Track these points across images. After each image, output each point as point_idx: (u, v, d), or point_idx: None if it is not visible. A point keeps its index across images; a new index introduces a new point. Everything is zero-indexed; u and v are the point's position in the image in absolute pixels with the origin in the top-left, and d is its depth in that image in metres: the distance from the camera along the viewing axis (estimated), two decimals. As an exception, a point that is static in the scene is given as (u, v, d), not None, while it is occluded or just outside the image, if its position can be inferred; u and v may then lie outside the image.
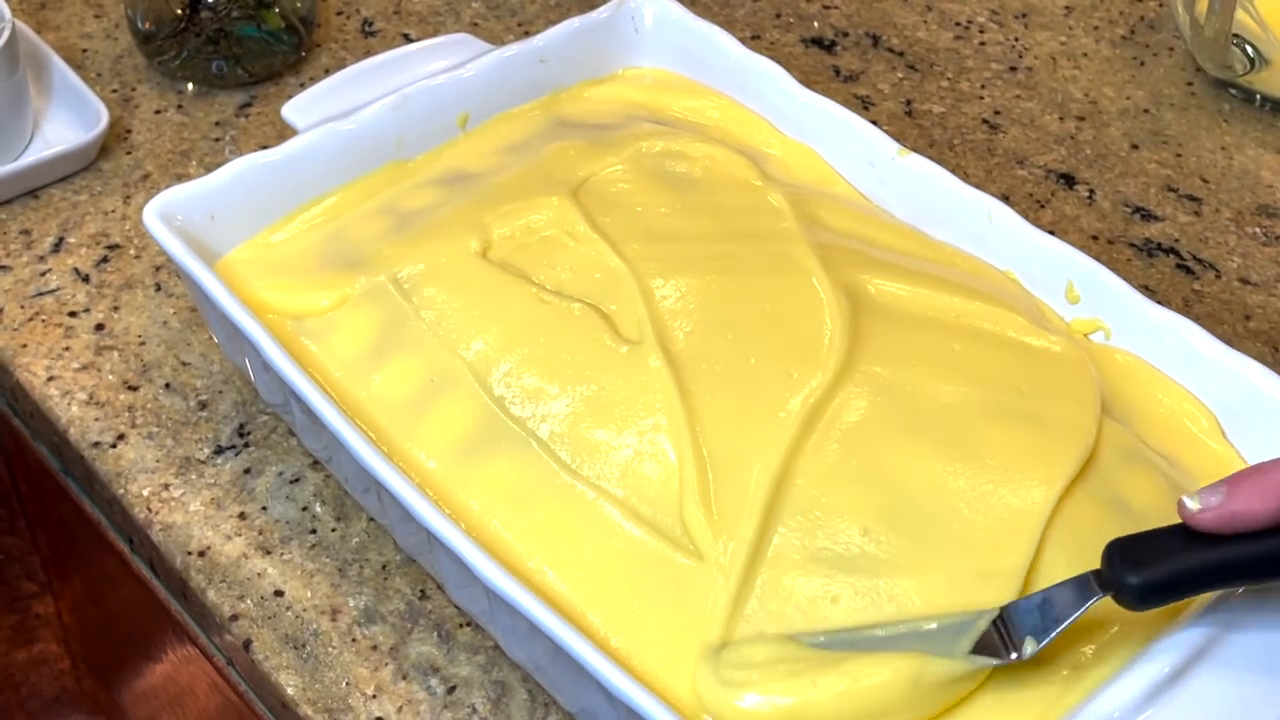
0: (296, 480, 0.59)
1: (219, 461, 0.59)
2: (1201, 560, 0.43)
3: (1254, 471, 0.44)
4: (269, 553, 0.56)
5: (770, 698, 0.44)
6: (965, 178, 0.63)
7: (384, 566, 0.56)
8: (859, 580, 0.47)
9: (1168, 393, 0.55)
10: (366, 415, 0.53)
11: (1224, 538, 0.43)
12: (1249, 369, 0.54)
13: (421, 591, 0.55)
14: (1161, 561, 0.44)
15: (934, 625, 0.46)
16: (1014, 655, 0.45)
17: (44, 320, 0.65)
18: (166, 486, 0.58)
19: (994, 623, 0.45)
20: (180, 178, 0.72)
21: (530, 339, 0.54)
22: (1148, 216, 0.75)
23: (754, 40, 0.85)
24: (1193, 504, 0.44)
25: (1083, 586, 0.45)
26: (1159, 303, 0.57)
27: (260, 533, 0.57)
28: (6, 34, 0.68)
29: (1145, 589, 0.44)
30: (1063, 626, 0.44)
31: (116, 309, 0.66)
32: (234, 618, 0.54)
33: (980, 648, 0.45)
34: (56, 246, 0.69)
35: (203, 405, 0.62)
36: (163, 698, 0.76)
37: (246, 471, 0.59)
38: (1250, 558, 0.43)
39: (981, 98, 0.82)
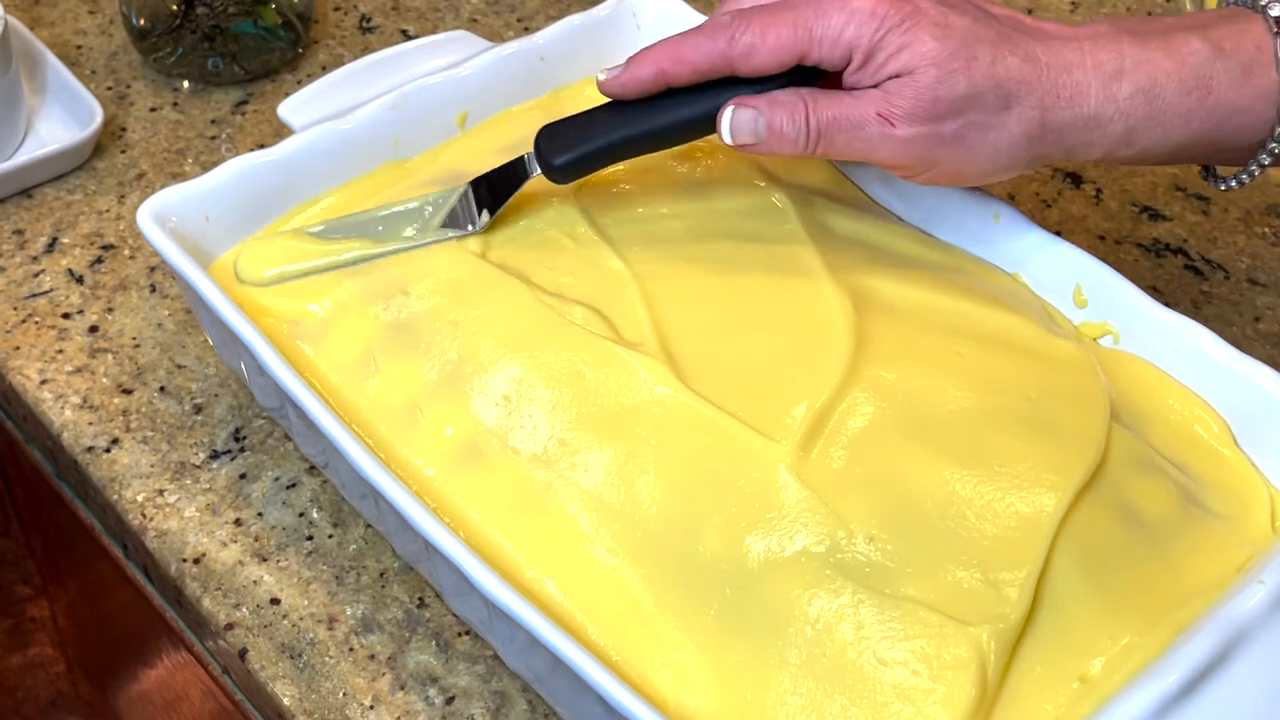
0: (293, 486, 0.58)
1: (214, 466, 0.59)
2: (605, 133, 0.54)
3: (657, 43, 0.53)
4: (265, 560, 0.55)
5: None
6: (971, 178, 0.62)
7: (382, 574, 0.55)
8: (864, 587, 0.47)
9: (1178, 398, 0.55)
10: (364, 421, 0.52)
11: (625, 113, 0.54)
12: (1261, 374, 0.53)
13: (420, 600, 0.54)
14: (577, 141, 0.54)
15: (415, 204, 0.57)
16: (471, 227, 0.56)
17: (37, 322, 0.64)
18: (161, 492, 0.58)
19: (459, 203, 0.56)
20: (176, 176, 0.72)
21: (530, 343, 0.53)
22: (1155, 216, 0.74)
23: (756, 37, 0.84)
24: (601, 75, 0.54)
25: (520, 166, 0.56)
26: (1167, 304, 0.56)
27: (256, 539, 0.56)
28: (0, 30, 0.68)
29: (565, 165, 0.54)
30: (506, 201, 0.56)
31: (111, 311, 0.65)
32: (229, 626, 0.54)
33: (449, 224, 0.56)
34: (50, 247, 0.68)
35: (198, 409, 0.61)
36: (158, 702, 0.75)
37: (242, 477, 0.58)
38: (641, 128, 0.53)
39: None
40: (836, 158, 0.54)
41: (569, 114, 0.56)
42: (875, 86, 0.51)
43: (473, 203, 0.56)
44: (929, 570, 0.47)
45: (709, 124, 0.53)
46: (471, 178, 0.57)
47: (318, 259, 0.56)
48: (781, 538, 0.48)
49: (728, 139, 0.52)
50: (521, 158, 0.56)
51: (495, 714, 0.51)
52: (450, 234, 0.56)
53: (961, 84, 0.50)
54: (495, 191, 0.56)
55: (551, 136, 0.54)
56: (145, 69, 0.78)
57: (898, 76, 0.51)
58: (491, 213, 0.56)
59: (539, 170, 0.55)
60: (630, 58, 0.53)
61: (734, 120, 0.52)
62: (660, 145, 0.55)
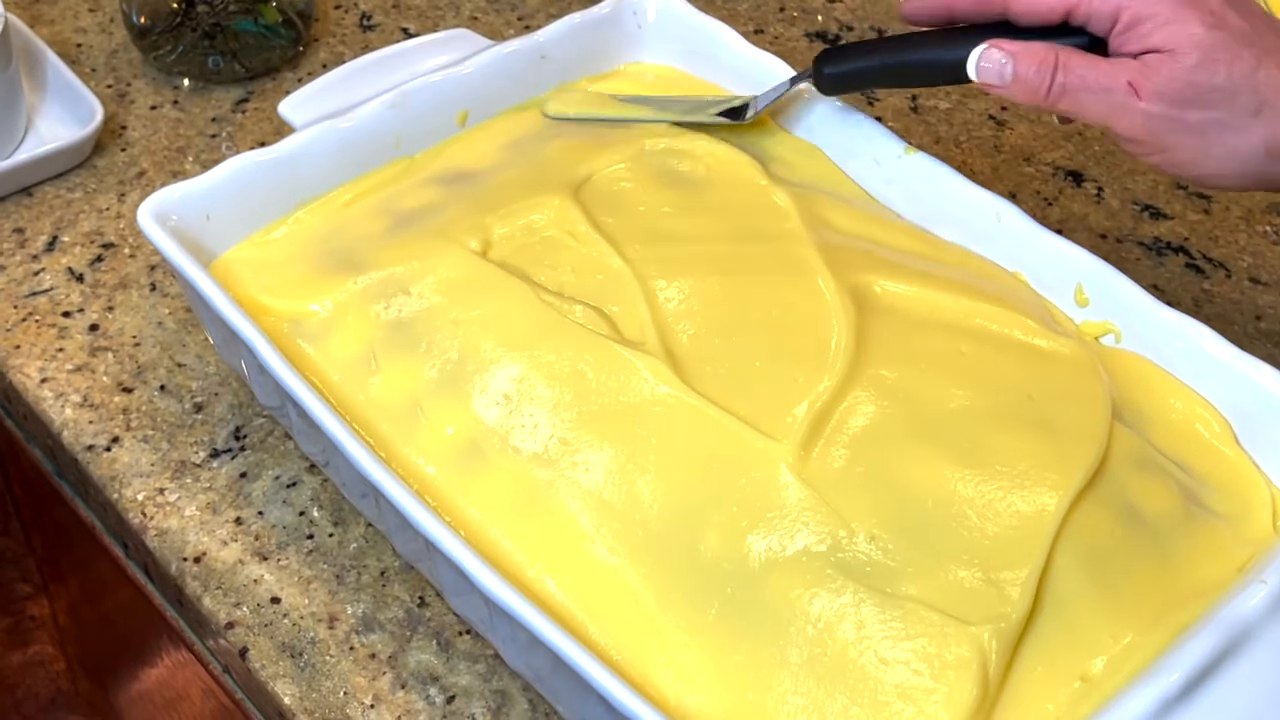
0: (293, 484, 0.58)
1: (215, 465, 0.59)
2: (876, 54, 0.59)
3: None
4: (266, 558, 0.55)
5: None
6: (972, 175, 0.62)
7: (382, 573, 0.55)
8: (865, 587, 0.46)
9: (1179, 397, 0.55)
10: (364, 420, 0.52)
11: (899, 44, 0.58)
12: (1262, 373, 0.53)
13: (420, 599, 0.54)
14: (851, 57, 0.60)
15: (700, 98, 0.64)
16: (742, 119, 0.63)
17: (37, 321, 0.64)
18: (162, 491, 0.58)
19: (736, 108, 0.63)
20: (176, 174, 0.72)
21: (531, 341, 0.53)
22: (1157, 214, 0.74)
23: (757, 35, 0.84)
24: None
25: (796, 78, 0.63)
26: (1168, 303, 0.56)
27: (257, 538, 0.56)
28: (0, 28, 0.67)
29: (834, 76, 0.61)
30: (776, 95, 0.63)
31: (111, 309, 0.65)
32: (230, 625, 0.53)
33: (725, 114, 0.63)
34: (50, 245, 0.68)
35: (198, 408, 0.61)
36: (158, 701, 0.75)
37: (243, 475, 0.58)
38: (908, 56, 0.58)
39: (987, 94, 0.81)
40: (1075, 116, 0.54)
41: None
42: (1135, 57, 0.52)
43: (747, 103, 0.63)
44: (930, 569, 0.47)
45: (964, 69, 0.55)
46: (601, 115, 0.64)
47: (611, 113, 0.64)
48: (783, 537, 0.48)
49: (973, 75, 0.54)
50: (799, 74, 0.63)
51: (496, 713, 0.51)
52: (722, 120, 0.63)
53: (1220, 76, 0.50)
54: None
55: (828, 54, 0.61)
56: (145, 67, 0.78)
57: (1159, 52, 0.51)
58: (755, 112, 0.63)
59: (809, 80, 0.62)
60: None
61: (982, 58, 0.54)
62: (920, 79, 0.60)
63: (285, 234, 0.59)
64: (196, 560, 0.55)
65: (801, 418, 0.50)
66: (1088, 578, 0.47)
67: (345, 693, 0.51)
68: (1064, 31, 0.54)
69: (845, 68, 0.60)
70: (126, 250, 0.68)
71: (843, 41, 0.84)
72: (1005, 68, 0.53)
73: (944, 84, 0.58)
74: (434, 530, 0.46)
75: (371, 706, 0.51)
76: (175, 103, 0.76)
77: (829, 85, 0.61)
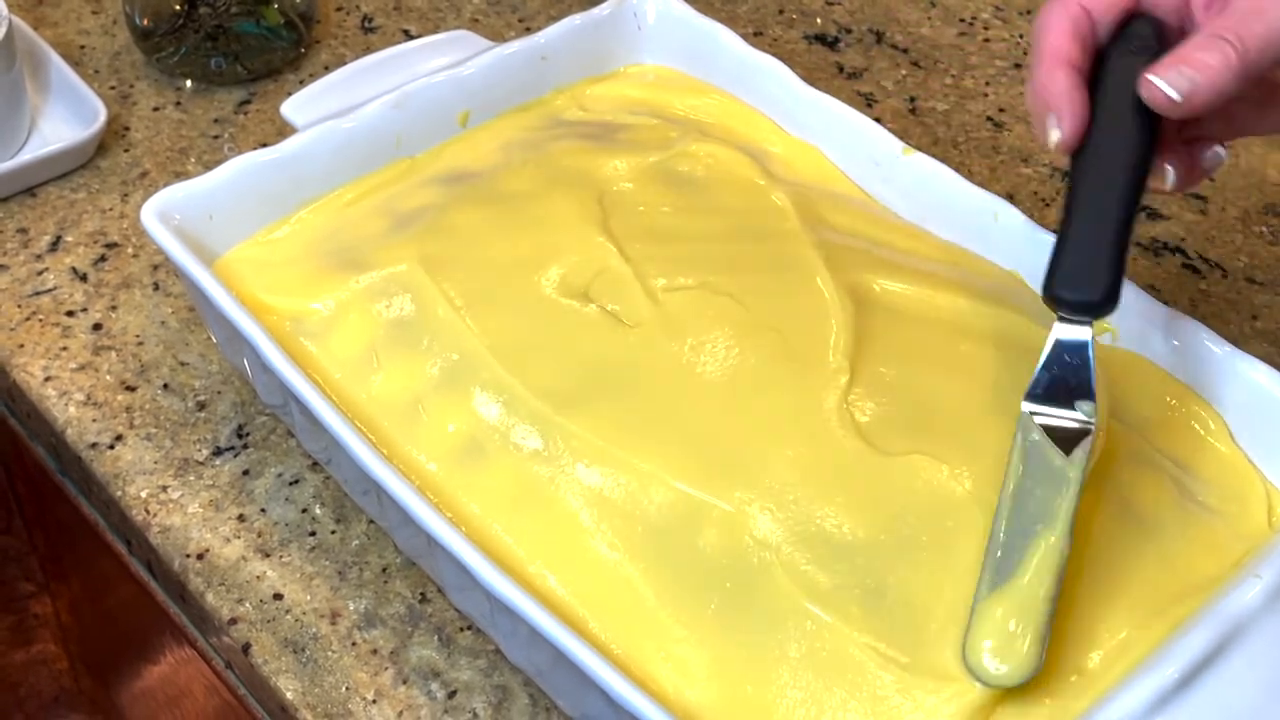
0: (296, 482, 0.58)
1: (218, 463, 0.59)
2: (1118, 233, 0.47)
3: (1038, 80, 0.48)
4: (268, 555, 0.56)
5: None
6: (970, 176, 0.63)
7: (384, 569, 0.55)
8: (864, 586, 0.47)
9: (1176, 395, 0.55)
10: (366, 417, 0.53)
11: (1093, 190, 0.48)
12: (1258, 371, 0.53)
13: (422, 595, 0.55)
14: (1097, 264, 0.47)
15: None
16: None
17: (41, 320, 0.64)
18: (165, 488, 0.58)
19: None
20: (179, 175, 0.72)
21: (532, 339, 0.53)
22: (1153, 215, 0.74)
23: (757, 37, 0.84)
24: (1053, 138, 0.48)
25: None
26: (1165, 302, 0.56)
27: (259, 535, 0.56)
28: (3, 30, 0.68)
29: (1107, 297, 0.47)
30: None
31: (114, 308, 0.65)
32: (233, 621, 0.54)
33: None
34: (54, 245, 0.68)
35: (201, 406, 0.61)
36: (160, 699, 0.75)
37: (245, 473, 0.59)
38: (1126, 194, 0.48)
39: (986, 95, 0.81)
40: (1262, 66, 0.47)
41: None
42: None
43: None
44: (930, 566, 0.47)
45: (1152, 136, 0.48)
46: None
47: None
48: (780, 535, 0.48)
49: (1173, 107, 0.46)
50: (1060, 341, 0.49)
51: (497, 708, 0.51)
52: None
53: None
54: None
55: (1064, 277, 0.47)
56: (148, 69, 0.78)
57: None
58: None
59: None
60: (1040, 105, 0.48)
61: (1165, 83, 0.46)
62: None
63: (287, 233, 0.60)
64: (199, 557, 0.56)
65: (801, 414, 0.50)
66: (1085, 573, 0.48)
67: (347, 688, 0.52)
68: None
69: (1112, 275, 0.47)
70: (129, 250, 0.68)
71: (841, 45, 0.84)
72: (1183, 77, 0.46)
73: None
74: (435, 526, 0.47)
75: (373, 702, 0.51)
76: (178, 104, 0.76)
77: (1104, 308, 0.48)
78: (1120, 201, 0.47)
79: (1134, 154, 0.48)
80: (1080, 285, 0.47)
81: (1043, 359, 0.48)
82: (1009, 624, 0.44)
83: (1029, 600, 0.44)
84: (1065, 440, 0.47)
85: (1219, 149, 0.50)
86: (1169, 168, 0.49)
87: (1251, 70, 0.46)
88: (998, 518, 0.46)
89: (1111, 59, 0.49)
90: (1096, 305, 0.47)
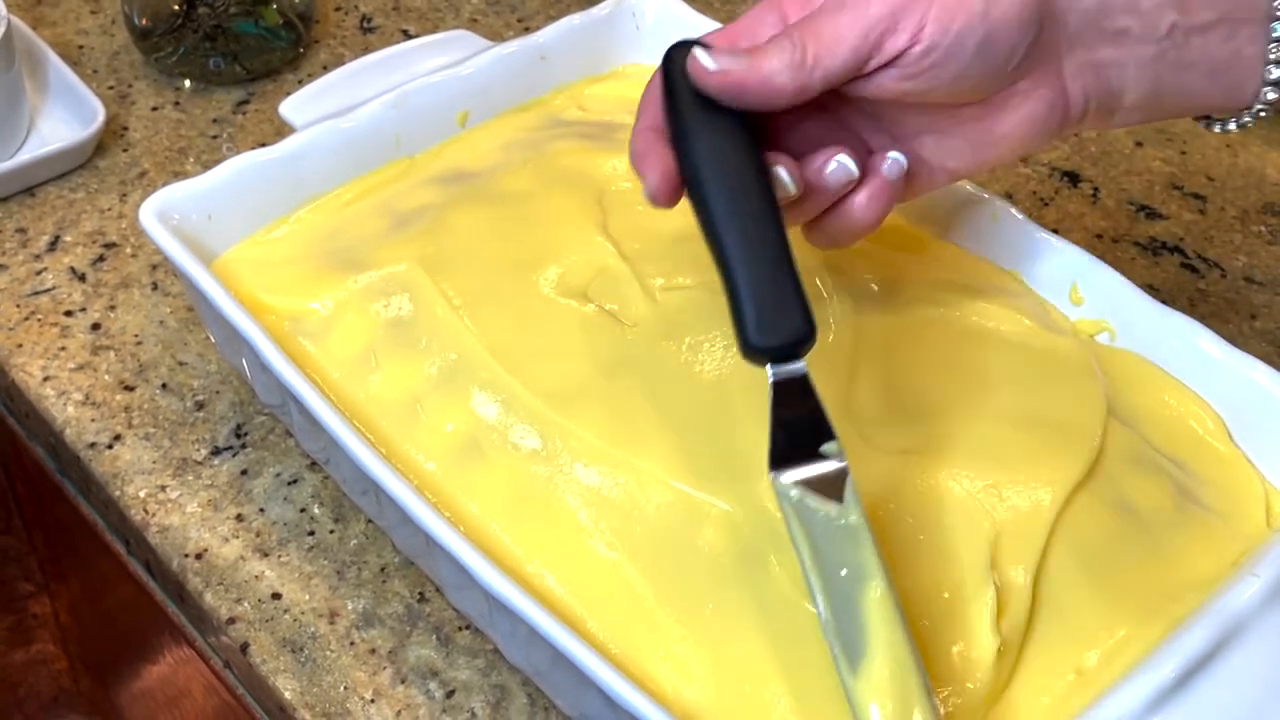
0: (294, 482, 0.58)
1: (216, 463, 0.59)
2: None
3: None
4: (267, 555, 0.56)
5: None
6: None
7: (382, 569, 0.55)
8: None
9: (1174, 394, 0.55)
10: (365, 416, 0.53)
11: None
12: (1256, 370, 0.53)
13: (420, 594, 0.55)
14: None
15: None
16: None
17: (40, 319, 0.64)
18: (163, 488, 0.58)
19: None
20: (177, 175, 0.72)
21: (531, 339, 0.53)
22: (1152, 215, 0.74)
23: (755, 37, 0.84)
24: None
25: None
26: (1163, 302, 0.56)
27: (258, 534, 0.56)
28: (2, 30, 0.68)
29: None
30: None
31: (113, 308, 0.65)
32: (231, 620, 0.54)
33: None
34: (52, 245, 0.68)
35: (200, 406, 0.61)
36: (159, 699, 0.76)
37: (244, 473, 0.59)
38: None
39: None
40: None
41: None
42: None
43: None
44: (927, 564, 0.47)
45: None
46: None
47: None
48: (779, 534, 0.48)
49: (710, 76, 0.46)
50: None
51: (495, 707, 0.51)
52: None
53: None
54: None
55: (758, 327, 0.45)
56: (147, 68, 0.78)
57: None
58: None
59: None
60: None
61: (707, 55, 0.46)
62: None
63: (286, 233, 0.60)
64: (198, 557, 0.56)
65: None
66: (1083, 572, 0.48)
67: (346, 687, 0.52)
68: None
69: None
70: (128, 250, 0.68)
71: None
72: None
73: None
74: (434, 526, 0.47)
75: (372, 701, 0.51)
76: (176, 104, 0.76)
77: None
78: (762, 225, 0.45)
79: (741, 177, 0.46)
80: (778, 327, 0.44)
81: (770, 420, 0.44)
82: (887, 706, 0.41)
83: (893, 667, 0.42)
84: (829, 488, 0.44)
85: (894, 155, 0.49)
86: (781, 171, 0.47)
87: (805, 71, 0.45)
88: (814, 599, 0.43)
89: (674, 91, 0.48)
90: (803, 339, 0.45)
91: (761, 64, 0.45)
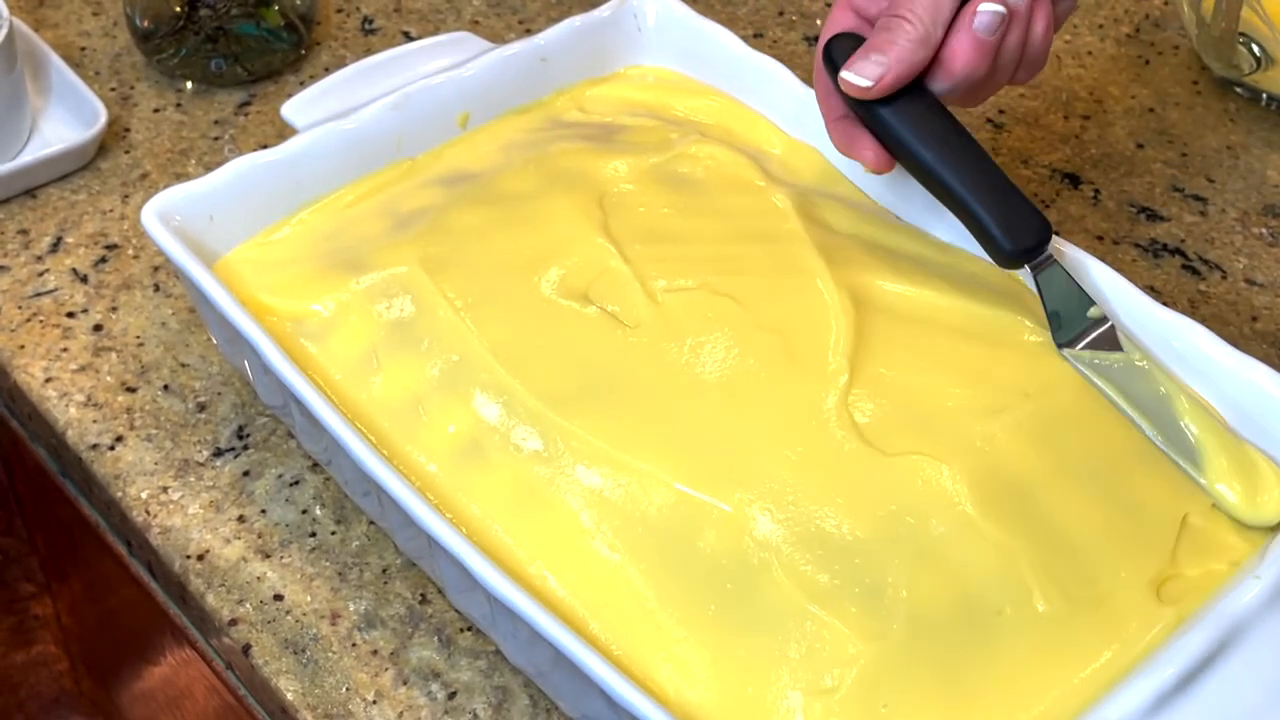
0: (296, 483, 0.58)
1: (218, 464, 0.59)
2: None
3: None
4: (268, 556, 0.56)
5: None
6: (970, 178, 0.62)
7: (384, 570, 0.55)
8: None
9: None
10: (367, 418, 0.53)
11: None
12: (1258, 372, 0.53)
13: (422, 596, 0.55)
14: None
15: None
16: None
17: (42, 321, 0.65)
18: (165, 489, 0.58)
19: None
20: (179, 177, 0.72)
21: (532, 340, 0.53)
22: (1153, 217, 0.74)
23: (757, 39, 0.84)
24: None
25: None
26: (1165, 304, 0.56)
27: (260, 536, 0.56)
28: (4, 32, 0.68)
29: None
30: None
31: (115, 310, 0.65)
32: (233, 622, 0.54)
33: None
34: (54, 246, 0.68)
35: (201, 407, 0.61)
36: (161, 700, 0.76)
37: (246, 474, 0.59)
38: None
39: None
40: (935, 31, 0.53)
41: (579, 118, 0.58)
42: None
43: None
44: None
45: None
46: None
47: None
48: (780, 534, 0.48)
49: (869, 91, 0.53)
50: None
51: (497, 709, 0.52)
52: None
53: None
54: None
55: (1011, 234, 0.54)
56: (148, 70, 0.78)
57: None
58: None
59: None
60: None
61: (854, 74, 0.53)
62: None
63: (288, 235, 0.60)
64: (199, 558, 0.56)
65: (801, 416, 0.50)
66: (1083, 572, 0.48)
67: (347, 689, 0.52)
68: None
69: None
70: (130, 251, 0.68)
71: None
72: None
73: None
74: (436, 527, 0.47)
75: (374, 702, 0.51)
76: (178, 105, 0.76)
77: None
78: (971, 159, 0.54)
79: (934, 126, 0.54)
80: (1021, 232, 0.53)
81: (1045, 308, 0.54)
82: (1235, 487, 0.50)
83: (1227, 455, 0.51)
84: (1108, 343, 0.53)
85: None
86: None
87: (929, 36, 0.52)
88: (1143, 431, 0.52)
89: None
90: (1044, 235, 0.53)
91: (898, 55, 0.52)
